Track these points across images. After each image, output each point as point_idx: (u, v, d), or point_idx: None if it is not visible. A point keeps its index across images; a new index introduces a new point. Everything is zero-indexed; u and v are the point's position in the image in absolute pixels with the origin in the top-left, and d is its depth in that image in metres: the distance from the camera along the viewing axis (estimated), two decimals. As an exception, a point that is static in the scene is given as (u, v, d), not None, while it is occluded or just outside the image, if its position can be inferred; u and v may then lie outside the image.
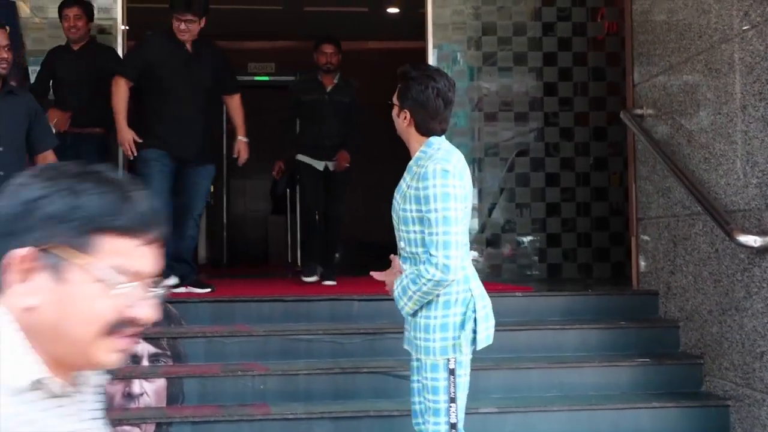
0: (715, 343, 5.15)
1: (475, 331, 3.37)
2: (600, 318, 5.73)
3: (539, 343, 5.42)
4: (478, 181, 7.69)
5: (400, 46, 11.92)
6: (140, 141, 5.76)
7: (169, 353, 5.17)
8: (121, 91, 5.77)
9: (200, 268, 11.05)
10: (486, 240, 7.72)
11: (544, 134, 7.87)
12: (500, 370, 5.15)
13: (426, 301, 3.33)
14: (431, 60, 7.60)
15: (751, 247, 4.59)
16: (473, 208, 8.26)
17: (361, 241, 10.18)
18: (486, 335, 3.43)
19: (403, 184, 3.43)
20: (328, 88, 6.74)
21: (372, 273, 3.58)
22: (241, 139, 6.15)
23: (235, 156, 6.15)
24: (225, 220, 11.39)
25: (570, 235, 7.81)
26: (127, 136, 5.73)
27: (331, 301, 5.61)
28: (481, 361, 4.92)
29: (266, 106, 13.69)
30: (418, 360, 3.43)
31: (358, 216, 10.21)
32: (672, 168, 5.40)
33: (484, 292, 3.49)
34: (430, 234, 3.25)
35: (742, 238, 4.56)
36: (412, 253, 3.37)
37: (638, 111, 6.06)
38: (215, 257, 11.41)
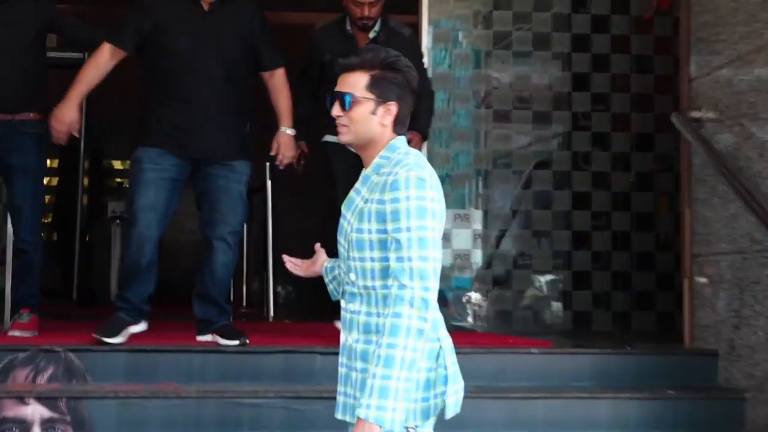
0: (791, 421, 5.13)
1: (444, 394, 3.33)
2: (641, 385, 5.69)
3: (562, 416, 5.38)
4: (483, 201, 7.68)
5: (384, 22, 11.96)
6: (76, 133, 5.62)
7: (68, 419, 5.06)
8: (98, 59, 5.57)
9: (113, 308, 11.00)
10: (493, 278, 7.70)
11: (572, 141, 7.88)
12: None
13: (414, 379, 3.19)
14: (425, 41, 7.60)
15: (842, 296, 4.58)
16: (476, 236, 8.34)
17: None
18: (455, 399, 3.36)
19: (356, 198, 3.40)
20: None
21: (285, 257, 3.76)
22: (285, 131, 5.81)
23: (273, 154, 5.81)
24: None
25: (603, 274, 7.81)
26: (67, 114, 5.49)
27: (285, 354, 5.56)
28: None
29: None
30: None
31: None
32: (739, 189, 5.40)
33: (452, 343, 3.45)
34: (400, 259, 3.20)
35: (830, 283, 4.55)
36: (366, 287, 3.32)
37: (695, 114, 6.06)
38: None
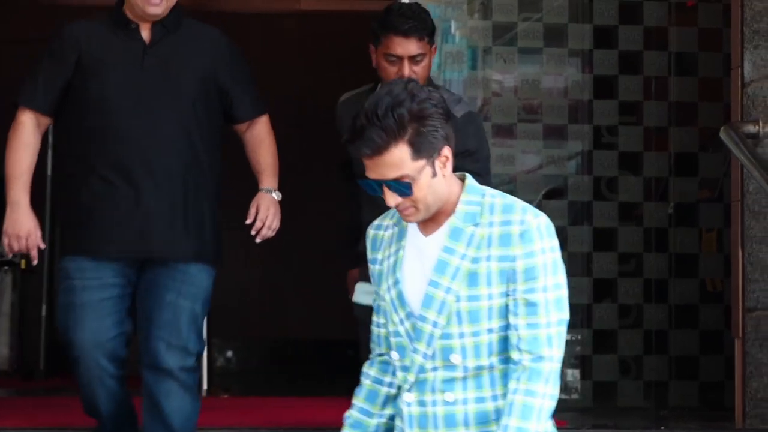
0: None
1: None
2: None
3: None
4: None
5: (352, 8, 11.99)
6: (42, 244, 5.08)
7: None
8: (22, 136, 5.07)
9: (2, 380, 10.94)
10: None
11: (593, 162, 7.94)
12: None
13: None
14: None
15: None
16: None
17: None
18: None
19: (452, 258, 3.46)
20: None
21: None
22: (268, 193, 5.26)
23: (249, 221, 5.18)
24: (44, 301, 11.29)
25: (633, 333, 7.86)
26: (23, 225, 5.02)
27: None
28: None
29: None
30: None
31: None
32: (805, 224, 5.46)
33: None
34: (535, 326, 3.34)
35: None
36: (477, 368, 3.44)
37: (751, 128, 6.13)
38: (27, 363, 11.29)
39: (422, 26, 5.32)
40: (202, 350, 5.18)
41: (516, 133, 7.92)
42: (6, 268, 11.34)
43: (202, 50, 5.16)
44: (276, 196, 5.27)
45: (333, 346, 10.48)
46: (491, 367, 3.41)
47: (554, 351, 3.33)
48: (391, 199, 3.41)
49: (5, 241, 5.04)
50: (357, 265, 5.48)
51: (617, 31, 8.00)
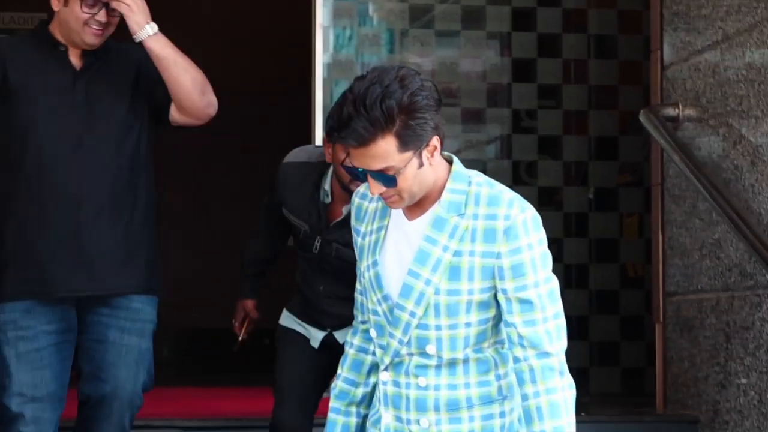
0: (793, 506, 5.22)
1: None
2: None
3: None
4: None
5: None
6: None
7: None
8: None
9: None
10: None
11: (512, 147, 7.96)
12: None
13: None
14: (321, 18, 7.61)
15: None
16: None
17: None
18: None
19: (433, 249, 3.42)
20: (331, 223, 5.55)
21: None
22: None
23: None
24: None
25: (553, 319, 7.87)
26: None
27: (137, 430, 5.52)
28: None
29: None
30: None
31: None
32: (725, 208, 5.49)
33: None
34: (533, 323, 3.33)
35: (839, 328, 4.65)
36: (454, 359, 3.43)
37: (670, 111, 6.15)
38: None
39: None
40: (151, 386, 4.75)
41: (449, 119, 7.89)
42: None
43: (128, 71, 4.74)
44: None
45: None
46: (466, 359, 3.40)
47: (556, 345, 3.32)
48: (375, 188, 3.36)
49: None
50: (250, 296, 5.47)
51: (536, 14, 8.02)
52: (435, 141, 3.37)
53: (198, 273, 10.90)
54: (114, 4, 4.49)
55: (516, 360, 3.34)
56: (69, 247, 4.49)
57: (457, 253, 3.37)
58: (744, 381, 5.57)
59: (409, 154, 3.33)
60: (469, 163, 7.93)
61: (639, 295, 7.85)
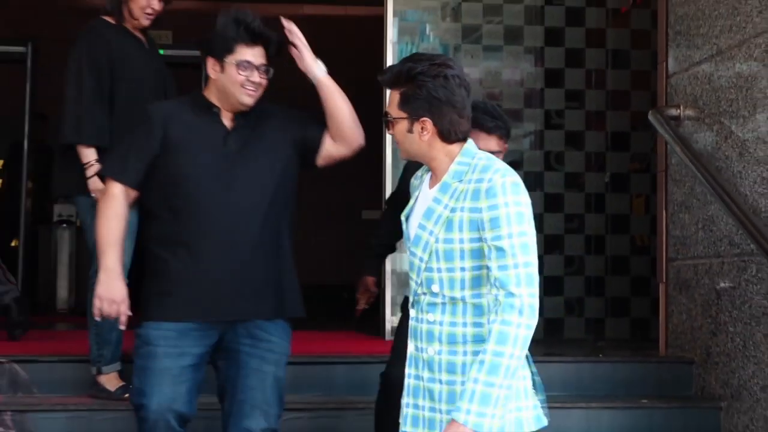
0: (770, 431, 5.22)
1: (535, 406, 3.46)
2: (615, 394, 5.77)
3: (531, 427, 5.43)
4: (451, 202, 7.73)
5: (347, 13, 11.96)
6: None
7: (13, 432, 5.08)
8: (115, 207, 4.36)
9: (60, 317, 10.98)
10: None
11: (544, 140, 7.95)
12: None
13: (515, 378, 3.31)
14: (390, 34, 7.64)
15: (822, 301, 4.66)
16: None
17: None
18: (544, 411, 3.52)
19: (437, 206, 3.47)
20: None
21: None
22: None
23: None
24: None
25: (576, 279, 7.89)
26: (117, 291, 4.32)
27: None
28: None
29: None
30: None
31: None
32: (716, 191, 5.47)
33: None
34: (504, 267, 3.30)
35: (809, 287, 4.63)
36: (453, 298, 3.43)
37: (673, 111, 6.13)
38: (82, 303, 11.28)
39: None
40: (282, 411, 4.49)
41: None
42: (64, 225, 11.35)
43: (273, 125, 4.46)
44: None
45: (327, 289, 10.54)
46: (464, 300, 3.38)
47: (522, 289, 3.25)
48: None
49: (97, 303, 4.28)
50: (372, 275, 5.26)
51: (564, 32, 8.00)
52: (427, 124, 3.43)
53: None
54: (292, 51, 4.40)
55: (494, 298, 3.30)
56: (224, 279, 4.27)
57: (452, 210, 3.39)
58: (731, 330, 5.56)
59: (403, 114, 3.46)
60: (508, 154, 7.96)
61: (646, 261, 7.83)
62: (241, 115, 4.39)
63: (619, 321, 7.87)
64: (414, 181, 3.71)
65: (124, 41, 5.38)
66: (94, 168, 5.07)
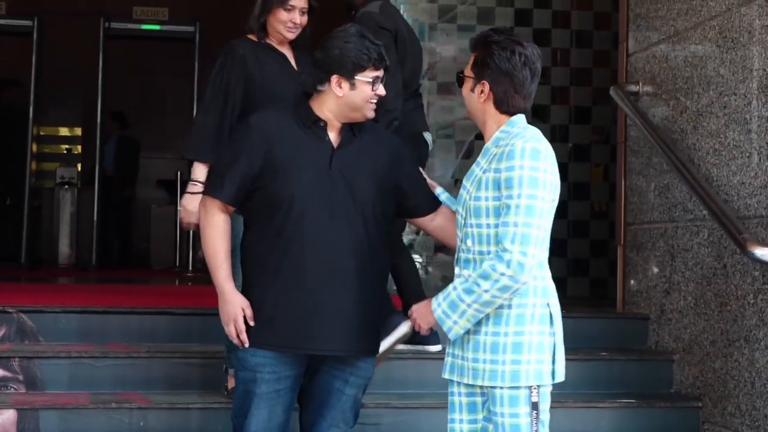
0: (718, 381, 5.24)
1: (554, 361, 3.49)
2: (575, 347, 5.75)
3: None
4: (425, 170, 7.72)
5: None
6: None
7: (21, 378, 5.07)
8: (218, 225, 3.97)
9: (62, 271, 11.02)
10: (435, 245, 7.75)
11: (512, 113, 7.95)
12: (442, 410, 5.18)
13: (483, 315, 3.40)
14: (371, 13, 7.60)
15: (768, 263, 4.68)
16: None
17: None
18: (563, 366, 3.55)
19: (475, 169, 3.52)
20: None
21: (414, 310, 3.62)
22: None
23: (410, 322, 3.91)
24: (95, 213, 11.29)
25: (540, 241, 7.90)
26: (232, 311, 3.95)
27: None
28: (420, 398, 4.95)
29: (157, 63, 13.59)
30: (478, 393, 3.52)
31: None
32: (672, 161, 5.48)
33: (560, 311, 3.58)
34: (505, 224, 3.32)
35: (757, 251, 4.63)
36: (480, 253, 3.45)
37: (632, 87, 6.13)
38: (82, 259, 11.30)
39: None
40: (354, 423, 4.23)
41: (454, 90, 7.90)
42: (66, 187, 11.33)
43: (379, 152, 4.01)
44: None
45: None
46: (489, 254, 3.39)
47: (516, 246, 3.27)
48: None
49: (226, 329, 3.96)
50: None
51: (532, 14, 8.01)
52: (486, 86, 3.49)
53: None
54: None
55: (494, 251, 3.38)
56: (322, 310, 3.89)
57: (485, 171, 3.43)
58: (684, 289, 5.58)
59: (471, 74, 3.54)
60: (477, 126, 7.97)
61: (604, 225, 7.87)
62: (350, 130, 3.96)
63: (580, 280, 7.91)
64: None
65: (265, 58, 4.89)
66: (195, 188, 4.79)
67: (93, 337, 5.45)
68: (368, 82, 3.86)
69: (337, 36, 3.91)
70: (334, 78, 3.87)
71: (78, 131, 13.03)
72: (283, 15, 4.85)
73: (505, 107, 3.50)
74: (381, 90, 3.91)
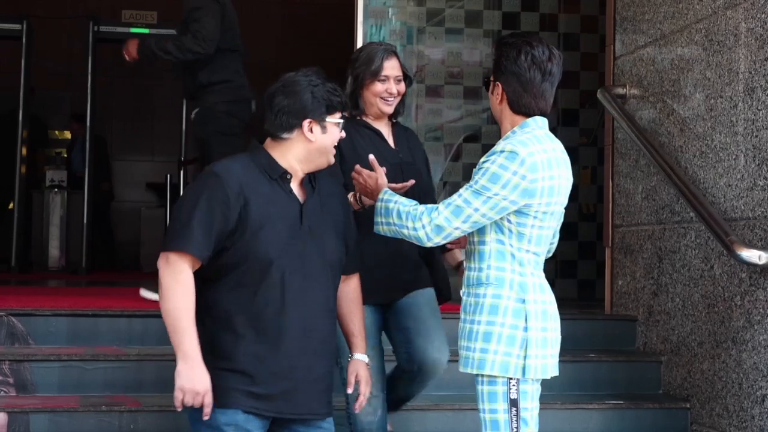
0: (705, 382, 5.25)
1: (527, 357, 3.49)
2: (564, 348, 5.70)
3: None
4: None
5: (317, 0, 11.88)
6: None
7: (11, 381, 5.06)
8: (186, 284, 3.60)
9: (53, 274, 10.98)
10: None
11: (501, 115, 7.96)
12: (438, 411, 5.19)
13: (397, 237, 3.65)
14: (359, 17, 7.60)
15: (755, 265, 4.68)
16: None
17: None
18: (542, 364, 3.54)
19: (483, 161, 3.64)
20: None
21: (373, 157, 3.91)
22: (361, 359, 4.02)
23: (350, 392, 4.04)
24: (85, 216, 11.25)
25: (528, 243, 7.89)
26: (202, 382, 3.54)
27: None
28: (414, 399, 4.92)
29: (146, 67, 13.56)
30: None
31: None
32: (659, 163, 5.49)
33: (551, 313, 3.61)
34: (455, 194, 3.47)
35: (744, 253, 4.65)
36: (471, 243, 3.59)
37: (619, 90, 6.15)
38: (72, 262, 11.26)
39: None
40: None
41: (443, 93, 7.92)
42: (56, 190, 11.30)
43: (336, 210, 3.85)
44: (367, 360, 4.03)
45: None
46: (473, 244, 3.55)
47: (445, 210, 3.45)
48: None
49: (179, 395, 3.51)
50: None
51: (520, 17, 8.00)
52: (498, 88, 3.56)
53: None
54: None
55: (483, 243, 3.53)
56: (300, 373, 3.68)
57: (483, 163, 3.51)
58: (671, 290, 5.59)
59: (493, 75, 3.61)
60: (468, 127, 8.01)
61: (592, 226, 7.87)
62: (309, 183, 3.75)
63: (568, 282, 7.91)
64: None
65: (355, 135, 4.42)
66: None
67: (83, 340, 5.43)
68: (336, 124, 3.69)
69: (299, 81, 3.69)
70: (306, 123, 3.65)
71: (67, 134, 13.00)
72: (378, 87, 4.45)
73: (517, 108, 3.54)
74: (343, 133, 3.76)
